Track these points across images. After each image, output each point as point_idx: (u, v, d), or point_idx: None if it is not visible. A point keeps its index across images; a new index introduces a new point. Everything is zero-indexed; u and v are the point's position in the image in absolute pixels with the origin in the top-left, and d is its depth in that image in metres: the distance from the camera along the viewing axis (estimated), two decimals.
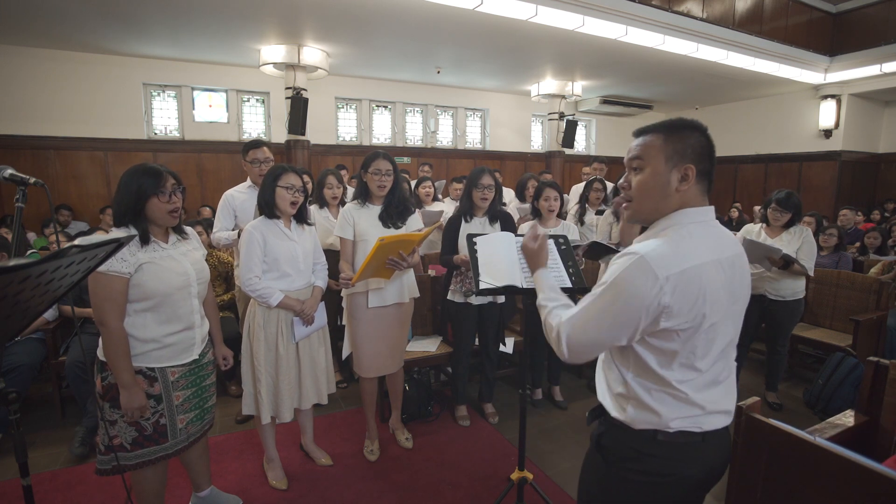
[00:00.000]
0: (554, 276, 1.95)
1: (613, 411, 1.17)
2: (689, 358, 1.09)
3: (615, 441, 1.17)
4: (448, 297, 2.94)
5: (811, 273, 3.19)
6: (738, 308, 1.16)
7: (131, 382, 1.68)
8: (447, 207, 4.41)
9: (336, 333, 3.45)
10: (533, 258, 1.44)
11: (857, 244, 5.28)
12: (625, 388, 1.15)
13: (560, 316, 1.17)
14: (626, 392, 1.15)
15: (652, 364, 1.10)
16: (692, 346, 1.08)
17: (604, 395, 1.22)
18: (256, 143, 3.05)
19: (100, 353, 1.74)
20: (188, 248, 1.88)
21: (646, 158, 1.14)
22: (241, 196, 3.03)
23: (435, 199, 4.66)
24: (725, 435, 1.19)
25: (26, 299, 0.96)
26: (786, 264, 3.07)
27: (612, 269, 1.09)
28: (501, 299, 2.96)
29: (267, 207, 2.24)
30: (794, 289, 3.23)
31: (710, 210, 1.15)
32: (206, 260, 3.42)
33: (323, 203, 3.40)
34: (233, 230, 3.00)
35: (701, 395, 1.11)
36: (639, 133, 1.18)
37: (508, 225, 2.92)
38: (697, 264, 1.04)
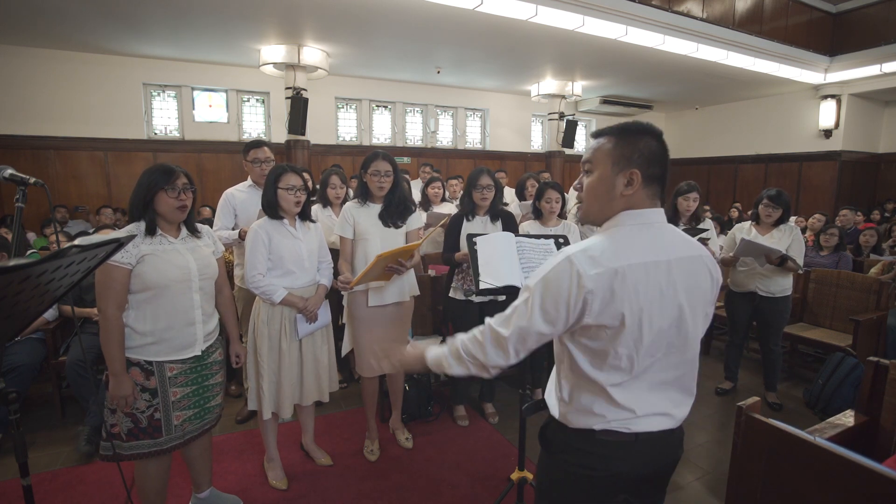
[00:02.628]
0: None
1: (552, 409, 1.23)
2: (619, 359, 1.09)
3: (555, 434, 1.22)
4: (450, 295, 2.94)
5: (801, 270, 3.25)
6: (685, 311, 1.12)
7: (120, 371, 1.72)
8: (451, 208, 4.41)
9: (336, 333, 3.45)
10: (410, 362, 1.36)
11: (851, 245, 5.27)
12: (562, 388, 1.19)
13: (480, 330, 1.18)
14: (561, 392, 1.19)
15: (584, 365, 1.12)
16: (622, 346, 1.07)
17: (549, 394, 1.27)
18: (257, 143, 3.06)
19: None
20: (199, 244, 1.90)
21: (595, 162, 1.16)
22: (241, 195, 3.03)
23: (444, 199, 4.65)
24: (667, 436, 1.17)
25: (26, 299, 0.96)
26: (781, 261, 3.13)
27: (544, 265, 1.11)
28: (503, 297, 2.96)
29: (271, 209, 2.26)
30: (783, 285, 3.26)
31: (656, 212, 1.14)
32: None
33: (326, 202, 3.41)
34: (233, 229, 3.00)
35: (631, 397, 1.11)
36: (594, 136, 1.20)
37: (510, 224, 2.92)
38: (627, 264, 1.05)
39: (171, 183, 1.76)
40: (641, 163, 1.12)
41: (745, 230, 3.37)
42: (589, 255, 1.05)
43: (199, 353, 1.88)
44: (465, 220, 2.88)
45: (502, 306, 3.19)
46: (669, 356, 1.14)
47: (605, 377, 1.11)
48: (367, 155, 2.55)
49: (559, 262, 1.07)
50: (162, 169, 1.78)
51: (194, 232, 1.91)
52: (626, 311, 1.05)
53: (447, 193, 4.96)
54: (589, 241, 1.10)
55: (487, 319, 1.19)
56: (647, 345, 1.09)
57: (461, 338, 1.23)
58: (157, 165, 1.81)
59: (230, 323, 2.11)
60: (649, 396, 1.13)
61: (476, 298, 2.88)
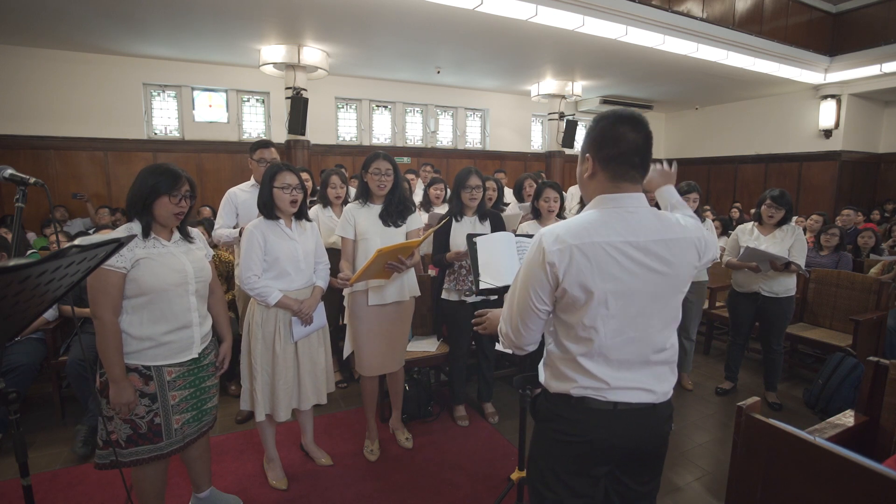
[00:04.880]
0: None
1: (540, 376, 1.33)
2: (587, 332, 1.17)
3: (542, 403, 1.31)
4: (442, 297, 2.94)
5: (804, 273, 3.25)
6: (658, 290, 1.18)
7: (120, 377, 1.69)
8: None
9: (337, 333, 3.46)
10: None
11: (850, 245, 5.26)
12: (546, 355, 1.30)
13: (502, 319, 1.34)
14: (546, 359, 1.30)
15: (560, 335, 1.23)
16: (587, 319, 1.16)
17: (540, 365, 1.36)
18: (265, 143, 3.11)
19: None
20: (191, 247, 1.89)
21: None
22: (243, 195, 3.05)
23: (445, 200, 4.64)
24: (649, 410, 1.22)
25: (26, 299, 0.96)
26: (785, 266, 3.13)
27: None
28: (494, 297, 2.96)
29: (266, 209, 2.24)
30: (786, 286, 3.26)
31: (631, 197, 1.20)
32: None
33: (326, 202, 3.42)
34: (234, 228, 3.01)
35: (603, 370, 1.18)
36: None
37: (498, 223, 2.93)
38: (588, 242, 1.13)
39: (175, 189, 1.73)
40: (591, 147, 1.22)
41: (747, 231, 3.36)
42: (554, 234, 1.16)
43: (196, 356, 1.88)
44: (453, 221, 2.87)
45: (495, 306, 3.20)
46: (643, 332, 1.19)
47: (576, 348, 1.19)
48: (367, 155, 2.56)
49: (533, 241, 1.20)
50: (168, 172, 1.74)
51: (187, 236, 1.89)
52: (589, 284, 1.13)
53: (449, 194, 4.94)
54: (560, 222, 1.21)
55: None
56: (615, 319, 1.16)
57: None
58: (162, 166, 1.76)
59: (223, 324, 2.08)
60: (623, 370, 1.19)
61: (469, 299, 2.88)
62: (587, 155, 1.23)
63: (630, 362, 1.19)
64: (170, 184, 1.73)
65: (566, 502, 1.25)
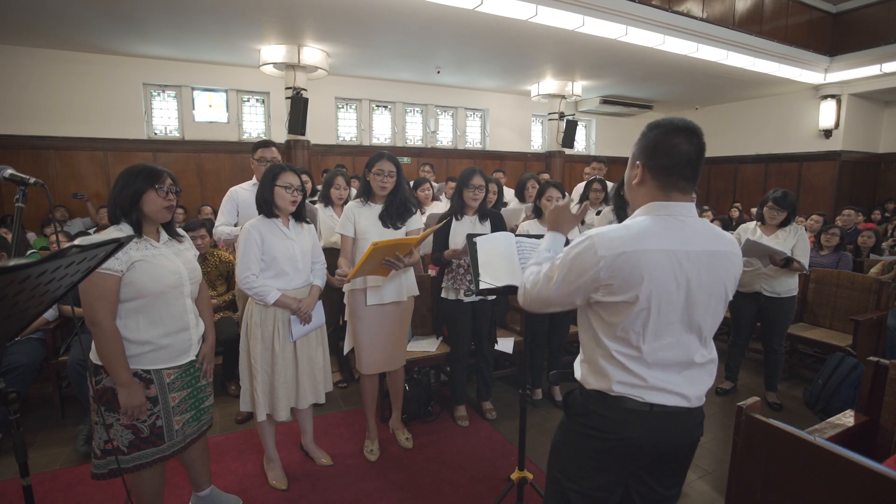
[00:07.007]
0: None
1: (576, 372, 1.34)
2: (628, 333, 1.19)
3: (576, 399, 1.32)
4: (441, 296, 2.94)
5: (807, 272, 3.24)
6: (697, 301, 1.19)
7: (129, 380, 1.67)
8: (443, 207, 4.40)
9: (337, 333, 3.46)
10: (555, 221, 1.53)
11: (850, 245, 5.27)
12: (584, 351, 1.31)
13: (531, 270, 1.37)
14: (583, 356, 1.31)
15: (600, 333, 1.24)
16: (631, 323, 1.17)
17: (576, 362, 1.37)
18: (266, 143, 3.14)
19: (93, 357, 1.72)
20: (180, 248, 1.88)
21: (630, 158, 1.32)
22: (244, 193, 3.07)
23: (434, 199, 4.65)
24: (684, 414, 1.23)
25: (26, 299, 0.96)
26: (786, 263, 3.12)
27: (572, 244, 1.24)
28: (492, 297, 2.96)
29: (266, 206, 2.25)
30: (788, 286, 3.26)
31: (681, 206, 1.21)
32: (208, 259, 3.38)
33: (328, 202, 3.42)
34: (235, 226, 3.02)
35: (641, 369, 1.19)
36: None
37: (499, 224, 2.93)
38: (639, 249, 1.14)
39: (159, 181, 1.72)
40: (643, 154, 1.22)
41: (749, 231, 3.36)
42: (608, 238, 1.16)
43: (194, 357, 1.88)
44: (454, 220, 2.88)
45: (493, 305, 3.18)
46: (680, 338, 1.20)
47: (617, 347, 1.21)
48: (368, 155, 2.57)
49: (583, 240, 1.20)
50: (148, 168, 1.73)
51: (175, 235, 1.88)
52: (634, 290, 1.15)
53: (444, 195, 4.95)
54: (611, 227, 1.21)
55: (534, 270, 1.35)
56: (655, 325, 1.17)
57: (535, 268, 1.37)
58: (139, 165, 1.75)
59: (207, 325, 2.04)
60: (660, 373, 1.20)
61: (467, 298, 2.88)
62: (637, 162, 1.23)
63: (667, 366, 1.20)
64: (153, 178, 1.71)
65: (588, 496, 1.27)
